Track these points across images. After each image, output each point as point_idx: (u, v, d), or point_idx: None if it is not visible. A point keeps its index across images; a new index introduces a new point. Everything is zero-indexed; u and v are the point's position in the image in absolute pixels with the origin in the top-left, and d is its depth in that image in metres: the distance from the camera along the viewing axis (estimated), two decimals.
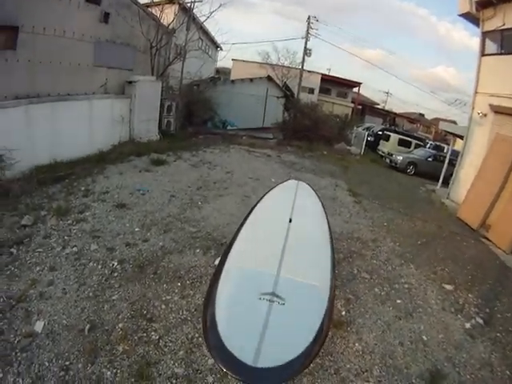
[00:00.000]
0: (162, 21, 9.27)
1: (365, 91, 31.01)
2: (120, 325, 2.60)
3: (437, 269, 4.94)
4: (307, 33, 18.69)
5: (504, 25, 7.36)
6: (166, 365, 2.33)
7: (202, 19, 11.06)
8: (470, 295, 4.35)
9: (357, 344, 3.06)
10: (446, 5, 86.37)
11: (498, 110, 7.52)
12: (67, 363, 2.22)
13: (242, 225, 2.89)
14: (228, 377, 2.32)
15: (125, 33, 8.17)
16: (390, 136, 15.80)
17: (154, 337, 2.56)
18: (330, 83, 25.48)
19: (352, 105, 25.24)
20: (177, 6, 10.12)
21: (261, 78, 14.91)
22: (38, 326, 2.47)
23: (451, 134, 11.06)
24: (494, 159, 7.03)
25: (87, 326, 2.54)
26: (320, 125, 13.11)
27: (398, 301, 3.87)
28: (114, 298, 2.90)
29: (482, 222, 6.96)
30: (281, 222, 3.24)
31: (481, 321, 3.79)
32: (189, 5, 10.15)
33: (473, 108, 8.71)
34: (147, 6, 9.29)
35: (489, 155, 7.30)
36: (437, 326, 3.57)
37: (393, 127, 20.67)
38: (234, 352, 1.83)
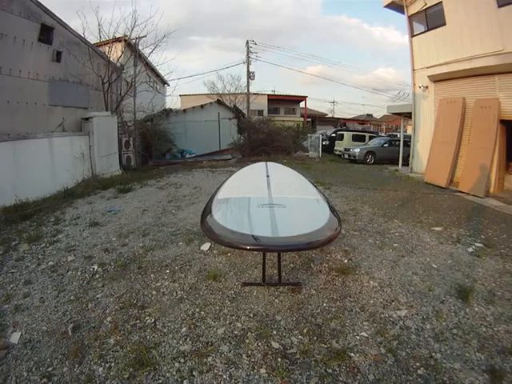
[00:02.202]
0: (110, 58, 9.69)
1: (313, 104, 32.95)
2: (108, 318, 2.40)
3: (421, 218, 5.08)
4: (248, 57, 19.32)
5: (426, 4, 8.36)
6: (168, 345, 2.11)
7: (148, 56, 11.52)
8: (460, 230, 4.49)
9: (371, 282, 3.01)
10: (374, 11, 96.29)
11: (436, 79, 8.31)
12: (50, 369, 1.95)
13: (221, 184, 3.12)
14: (246, 341, 2.14)
15: (77, 71, 8.45)
16: (343, 135, 16.60)
17: (149, 321, 2.36)
18: (278, 102, 26.56)
19: (302, 119, 26.39)
20: (123, 43, 10.52)
21: (211, 103, 15.38)
22: (14, 338, 2.23)
23: (399, 114, 11.94)
24: (445, 121, 7.61)
25: (70, 327, 2.31)
26: (275, 137, 13.59)
27: (395, 244, 3.92)
28: (98, 296, 2.71)
29: (450, 179, 7.36)
30: (258, 175, 3.86)
31: (480, 245, 3.84)
32: (134, 41, 10.64)
33: (414, 84, 9.53)
34: (96, 44, 9.71)
35: (439, 120, 7.90)
36: (441, 256, 3.59)
37: (344, 128, 22.06)
38: (251, 232, 2.14)
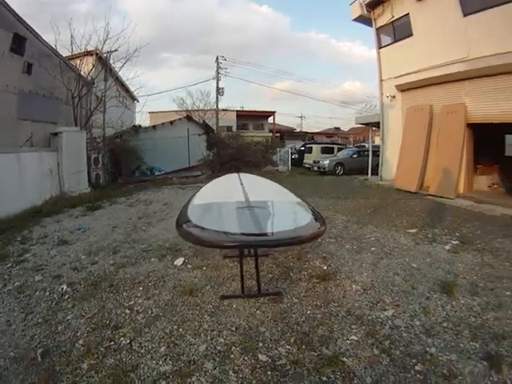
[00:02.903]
0: (81, 71, 9.84)
1: (281, 119, 34.67)
2: (80, 341, 2.28)
3: (395, 222, 5.33)
4: (217, 72, 19.85)
5: (393, 17, 9.21)
6: (147, 367, 2.00)
7: (119, 71, 11.78)
8: (435, 230, 4.76)
9: (354, 285, 3.05)
10: (341, 27, 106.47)
11: (403, 88, 9.07)
12: None
13: (194, 194, 3.20)
14: (231, 356, 2.05)
15: (47, 84, 8.35)
16: (312, 148, 17.21)
17: (124, 342, 2.24)
18: (246, 118, 27.49)
19: (270, 134, 27.38)
20: (94, 56, 10.65)
21: (180, 118, 15.63)
22: None
23: (368, 124, 12.68)
24: (413, 128, 8.25)
25: (40, 352, 2.18)
26: (244, 152, 14.09)
27: (373, 248, 4.05)
28: (68, 317, 2.60)
29: (420, 184, 7.88)
30: (232, 183, 3.99)
31: (457, 242, 4.08)
32: (105, 55, 10.81)
33: (381, 94, 10.29)
34: (67, 57, 9.79)
35: (407, 127, 8.56)
36: (420, 255, 3.76)
37: (313, 141, 23.10)
38: (236, 230, 2.20)
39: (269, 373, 1.86)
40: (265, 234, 2.14)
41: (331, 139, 28.01)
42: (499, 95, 6.37)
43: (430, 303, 2.58)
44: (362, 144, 19.56)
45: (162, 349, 2.13)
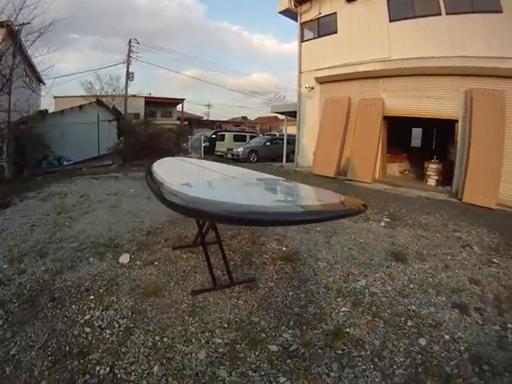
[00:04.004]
0: None
1: (189, 107, 35.20)
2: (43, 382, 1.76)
3: None
4: (128, 56, 19.37)
5: (320, 14, 10.13)
6: None
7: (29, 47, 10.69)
8: (367, 211, 5.49)
9: (320, 263, 3.31)
10: (255, 19, 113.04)
11: (323, 81, 10.08)
12: None
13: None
14: (240, 355, 1.92)
15: None
16: (224, 135, 17.74)
17: (102, 372, 1.83)
18: (155, 105, 27.53)
19: (178, 122, 27.47)
20: (5, 29, 9.75)
21: (90, 103, 15.09)
22: None
23: (283, 113, 13.63)
24: (331, 118, 9.31)
25: None
26: (156, 139, 14.12)
27: (318, 228, 4.42)
28: (13, 353, 2.03)
29: (338, 170, 8.98)
30: (190, 166, 3.84)
31: (388, 219, 4.87)
32: (17, 27, 9.85)
33: (300, 85, 11.17)
34: None
35: (325, 117, 9.59)
36: (362, 232, 4.34)
37: (220, 129, 23.70)
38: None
39: (288, 361, 1.85)
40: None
41: (238, 128, 29.27)
42: (411, 93, 7.87)
43: (391, 270, 3.05)
44: (273, 133, 20.96)
45: (156, 369, 1.83)
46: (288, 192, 2.80)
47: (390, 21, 8.39)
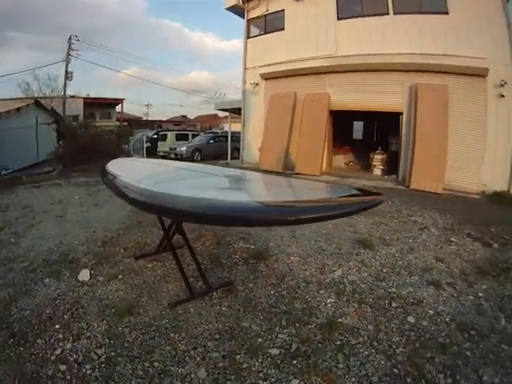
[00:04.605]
0: None
1: (129, 108, 34.77)
2: None
3: None
4: (68, 54, 18.91)
5: (268, 10, 10.42)
6: None
7: None
8: None
9: (292, 257, 3.35)
10: (196, 16, 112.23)
11: (268, 77, 10.34)
12: None
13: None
14: (244, 366, 1.84)
15: None
16: (166, 135, 17.80)
17: None
18: (93, 106, 27.12)
19: (118, 123, 27.36)
20: None
21: (28, 105, 14.68)
22: None
23: (227, 110, 13.59)
24: (277, 114, 9.58)
25: None
26: (97, 142, 13.75)
27: None
28: None
29: (285, 165, 9.26)
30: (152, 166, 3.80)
31: None
32: None
33: (245, 82, 11.29)
34: None
35: (271, 112, 9.83)
36: (323, 223, 4.35)
37: (160, 129, 23.35)
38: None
39: (294, 362, 1.83)
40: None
41: (179, 127, 29.44)
42: (358, 88, 8.50)
43: (362, 258, 3.23)
44: (215, 130, 21.11)
45: None
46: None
47: (338, 19, 9.00)
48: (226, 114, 14.68)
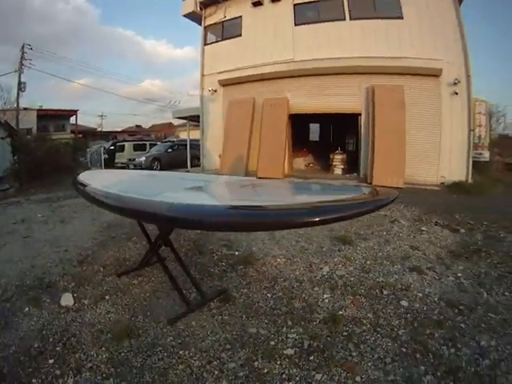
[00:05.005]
0: None
1: (83, 119, 34.28)
2: None
3: None
4: (21, 64, 18.35)
5: (225, 17, 10.57)
6: None
7: None
8: None
9: (279, 259, 3.46)
10: (148, 24, 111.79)
11: (227, 83, 10.46)
12: None
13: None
14: (264, 371, 1.85)
15: None
16: (124, 146, 17.69)
17: None
18: (47, 119, 26.46)
19: (72, 135, 26.52)
20: None
21: None
22: None
23: (185, 118, 13.56)
24: (236, 120, 9.71)
25: None
26: (53, 156, 13.17)
27: None
28: None
29: (247, 169, 9.39)
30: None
31: None
32: None
33: (202, 89, 11.35)
34: None
35: (229, 119, 9.95)
36: None
37: (116, 140, 22.76)
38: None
39: (311, 358, 1.90)
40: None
41: (135, 137, 28.70)
42: (316, 91, 8.91)
43: (345, 253, 3.43)
44: (172, 139, 21.27)
45: None
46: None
47: (296, 25, 9.39)
48: (182, 121, 14.60)
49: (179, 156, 14.78)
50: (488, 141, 9.67)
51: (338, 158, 9.65)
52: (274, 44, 9.69)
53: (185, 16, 11.68)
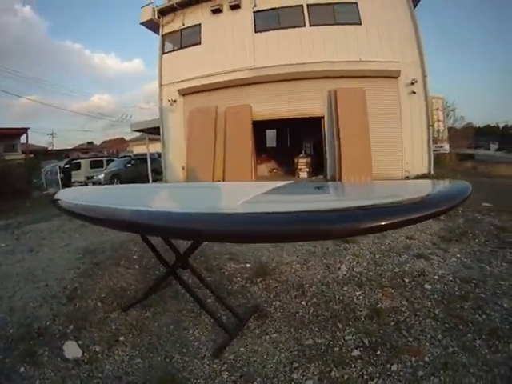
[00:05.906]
0: None
1: (33, 138, 34.16)
2: None
3: None
4: None
5: (183, 25, 10.50)
6: None
7: None
8: None
9: (294, 266, 3.56)
10: (98, 37, 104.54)
11: (186, 92, 10.40)
12: None
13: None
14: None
15: None
16: (80, 163, 17.48)
17: None
18: None
19: (23, 155, 24.58)
20: None
21: None
22: None
23: (143, 131, 13.04)
24: (198, 129, 9.74)
25: None
26: (7, 178, 12.52)
27: None
28: None
29: (213, 179, 9.45)
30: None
31: None
32: None
33: (161, 99, 11.13)
34: None
35: (191, 129, 9.94)
36: None
37: (68, 159, 22.00)
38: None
39: (377, 352, 2.06)
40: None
41: (89, 154, 28.01)
42: (278, 97, 9.28)
43: (352, 251, 3.75)
44: (128, 154, 21.14)
45: None
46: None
47: (256, 32, 9.71)
48: (134, 136, 14.21)
49: (139, 171, 14.88)
50: (447, 134, 10.71)
51: (302, 162, 10.16)
52: (234, 51, 9.90)
53: (142, 24, 11.45)
